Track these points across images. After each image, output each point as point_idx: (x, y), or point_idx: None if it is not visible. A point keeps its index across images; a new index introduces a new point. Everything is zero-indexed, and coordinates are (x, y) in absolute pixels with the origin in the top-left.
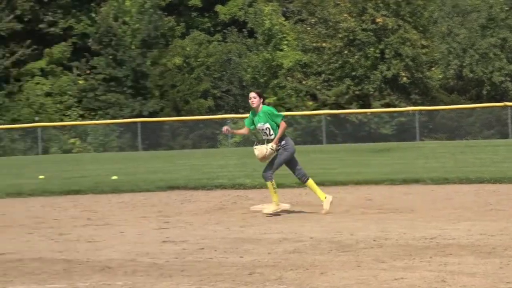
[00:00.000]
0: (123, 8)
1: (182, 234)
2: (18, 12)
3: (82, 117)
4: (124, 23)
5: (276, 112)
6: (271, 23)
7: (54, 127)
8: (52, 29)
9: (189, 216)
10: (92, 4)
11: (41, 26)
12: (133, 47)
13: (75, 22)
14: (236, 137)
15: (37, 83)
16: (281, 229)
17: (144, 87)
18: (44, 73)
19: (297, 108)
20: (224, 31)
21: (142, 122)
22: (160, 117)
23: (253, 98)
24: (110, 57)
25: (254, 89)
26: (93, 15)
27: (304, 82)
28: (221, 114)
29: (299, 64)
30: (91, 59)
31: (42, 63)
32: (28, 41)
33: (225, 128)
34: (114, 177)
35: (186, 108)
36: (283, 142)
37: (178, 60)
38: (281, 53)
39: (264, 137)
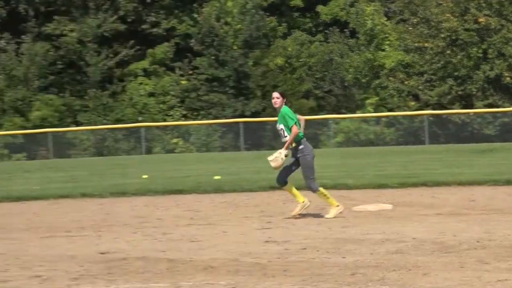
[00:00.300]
0: (225, 8)
1: (284, 234)
2: (121, 13)
3: (185, 117)
4: (226, 23)
5: (290, 114)
6: (373, 23)
7: (157, 127)
8: (155, 29)
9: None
10: (195, 5)
11: (144, 26)
12: (235, 47)
13: (177, 23)
14: (338, 138)
15: (140, 83)
16: (383, 229)
17: (246, 87)
18: (147, 74)
19: (399, 108)
20: (326, 31)
21: (244, 122)
22: (262, 117)
23: (276, 99)
24: (212, 57)
25: (278, 89)
26: (195, 15)
27: (406, 82)
28: (323, 115)
29: (401, 64)
30: (194, 59)
31: (145, 64)
32: (131, 42)
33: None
34: (217, 177)
35: None
36: (301, 147)
37: (280, 61)
38: (383, 53)
39: (282, 140)
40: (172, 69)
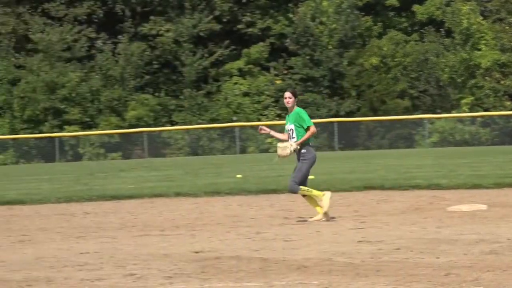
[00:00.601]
0: (320, 8)
1: (378, 234)
2: (217, 13)
3: (279, 116)
4: (321, 23)
5: (304, 117)
6: (469, 22)
7: (251, 126)
8: (250, 29)
9: (385, 216)
10: (290, 5)
11: (239, 26)
12: (330, 47)
13: (272, 23)
14: (433, 137)
15: (235, 83)
16: (477, 230)
17: (341, 87)
18: (242, 73)
19: (495, 108)
20: (421, 30)
21: (338, 122)
22: (357, 117)
23: (288, 98)
24: (307, 57)
25: (289, 89)
26: (291, 15)
27: (502, 82)
28: (418, 114)
29: (497, 64)
30: (288, 59)
31: (240, 63)
32: (227, 42)
33: (260, 127)
34: (310, 177)
35: (383, 108)
36: (304, 151)
37: (375, 60)
38: (479, 52)
39: (291, 140)
40: (267, 69)
